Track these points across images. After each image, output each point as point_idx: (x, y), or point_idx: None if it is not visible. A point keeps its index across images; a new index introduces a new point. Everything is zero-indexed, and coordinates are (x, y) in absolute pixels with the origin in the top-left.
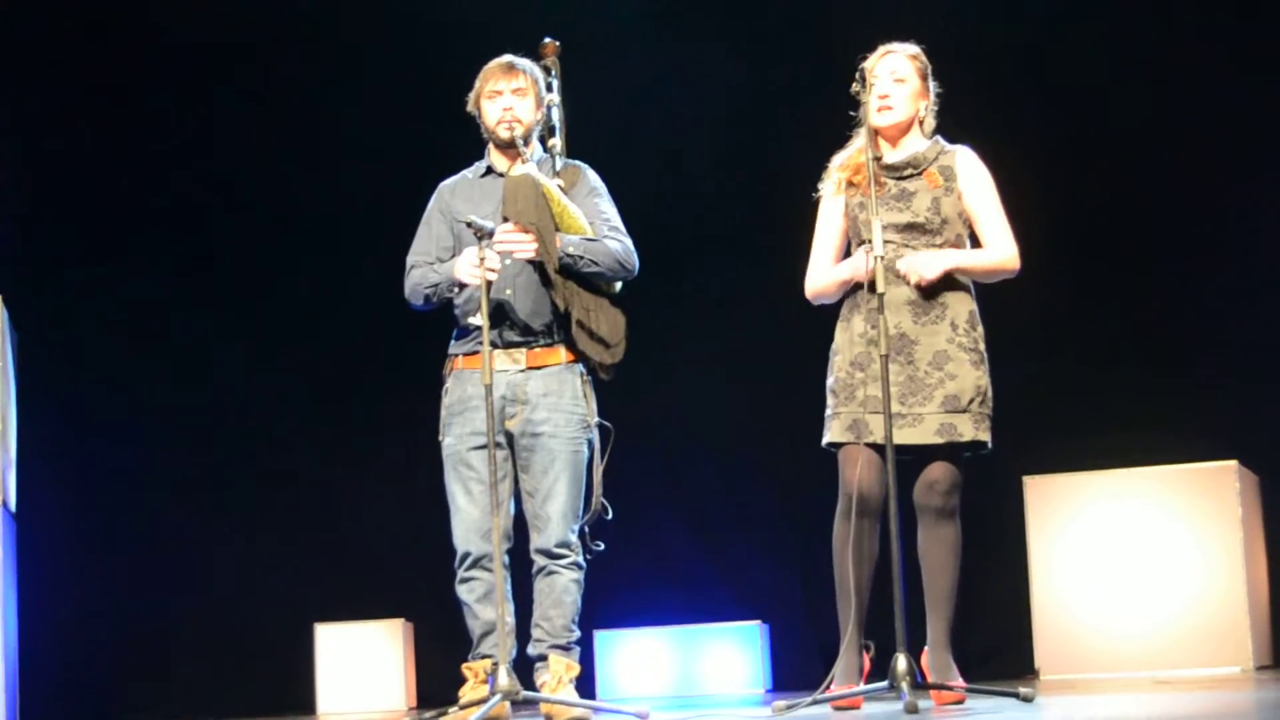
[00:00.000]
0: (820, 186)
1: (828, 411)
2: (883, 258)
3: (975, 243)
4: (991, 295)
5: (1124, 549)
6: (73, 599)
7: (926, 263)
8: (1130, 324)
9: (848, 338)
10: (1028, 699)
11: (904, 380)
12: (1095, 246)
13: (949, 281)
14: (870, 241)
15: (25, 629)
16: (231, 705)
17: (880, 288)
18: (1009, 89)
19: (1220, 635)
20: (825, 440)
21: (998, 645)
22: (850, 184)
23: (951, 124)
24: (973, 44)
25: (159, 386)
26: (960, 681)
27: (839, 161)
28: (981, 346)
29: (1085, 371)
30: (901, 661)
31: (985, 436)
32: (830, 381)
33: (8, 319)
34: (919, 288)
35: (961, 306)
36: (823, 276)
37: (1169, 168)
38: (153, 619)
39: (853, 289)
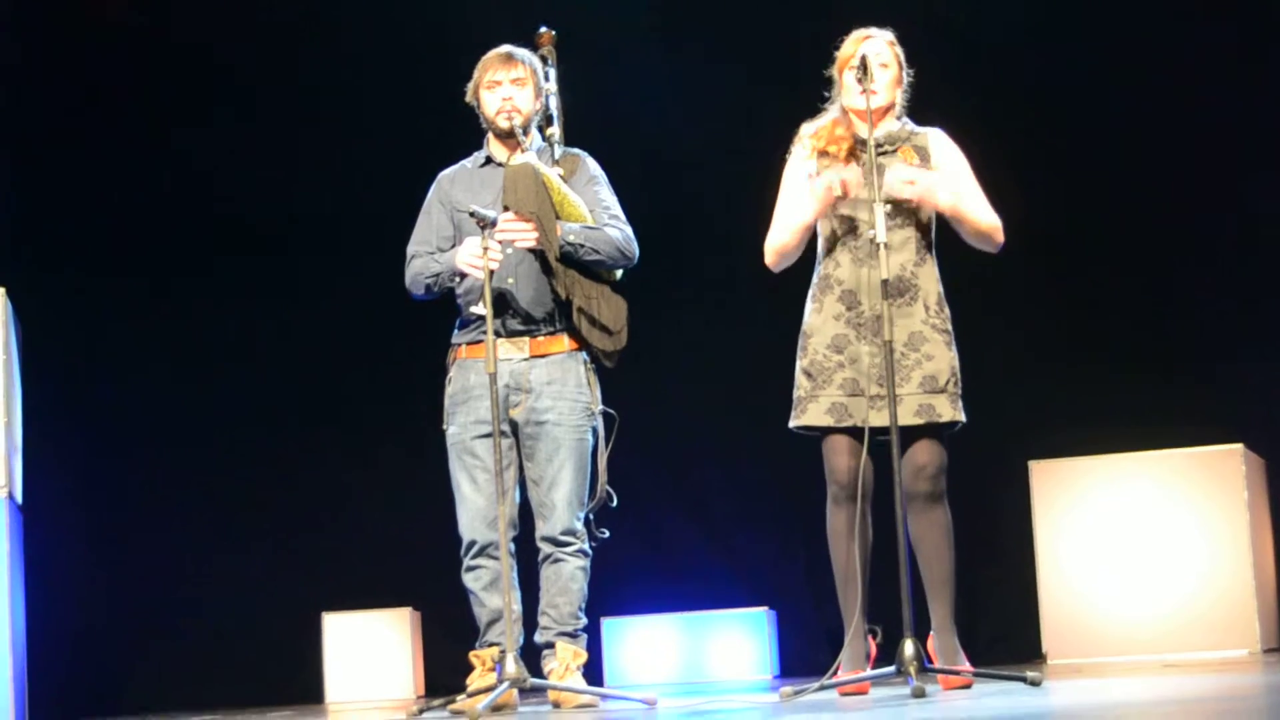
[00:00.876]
0: (792, 149)
1: (799, 393)
2: (887, 244)
3: (945, 224)
4: (997, 280)
5: (1130, 533)
6: (79, 589)
7: (936, 184)
8: (1136, 308)
9: (821, 319)
10: (1035, 683)
11: (880, 361)
12: (1100, 232)
13: (921, 261)
14: (841, 190)
15: (33, 619)
16: (239, 695)
17: (884, 273)
18: (1011, 78)
19: (1227, 618)
20: (799, 423)
21: (1005, 630)
22: (823, 153)
23: (953, 115)
24: (976, 40)
25: (164, 377)
26: (967, 666)
27: (810, 130)
28: (950, 327)
29: (1091, 356)
30: (909, 647)
31: (961, 416)
32: (803, 363)
33: (12, 311)
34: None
35: (931, 287)
36: (782, 231)
37: (1173, 153)
38: (159, 609)
39: (821, 263)
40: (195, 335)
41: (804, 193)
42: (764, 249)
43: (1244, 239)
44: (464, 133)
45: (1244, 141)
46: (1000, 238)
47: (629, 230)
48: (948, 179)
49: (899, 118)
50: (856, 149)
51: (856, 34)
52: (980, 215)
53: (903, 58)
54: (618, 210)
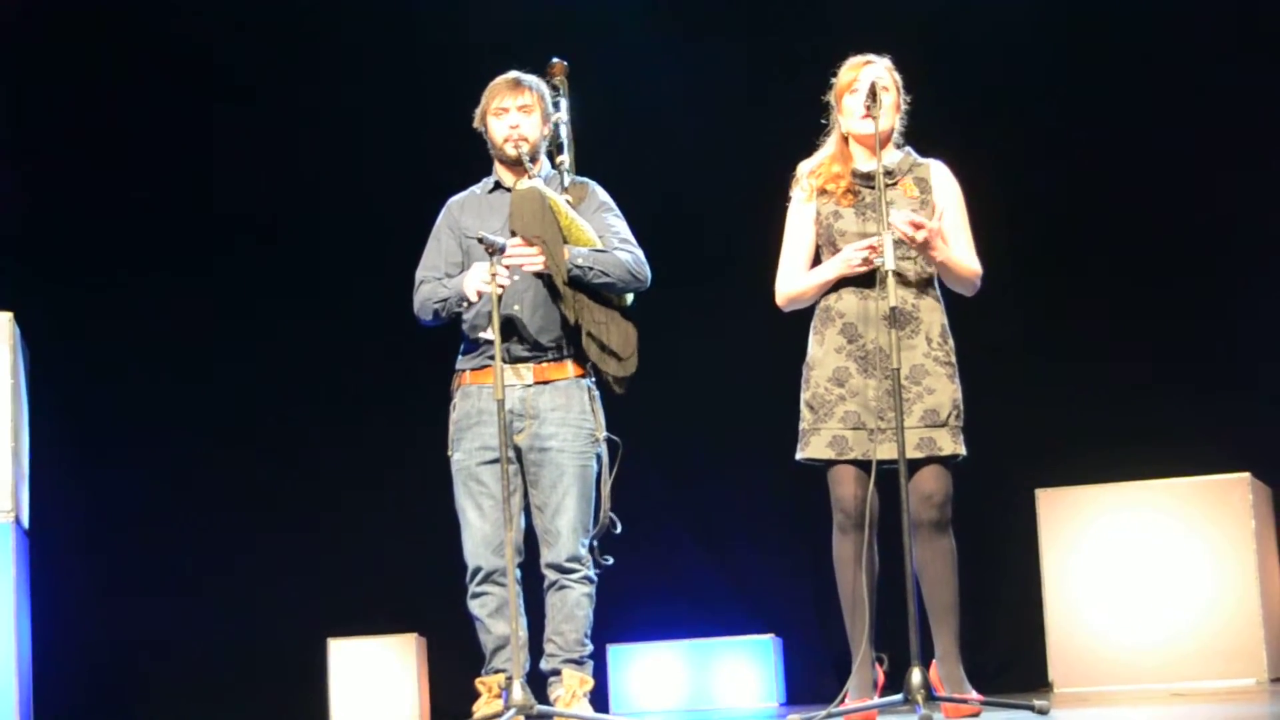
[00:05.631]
0: (791, 193)
1: (803, 426)
2: (895, 271)
3: None
4: (1003, 308)
5: (1137, 562)
6: (85, 614)
7: (935, 237)
8: (1141, 336)
9: (823, 351)
10: (1043, 712)
11: (882, 395)
12: (1105, 258)
13: (924, 293)
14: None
15: (38, 644)
16: None
17: (893, 301)
18: (1014, 92)
19: (1234, 647)
20: (803, 455)
21: (1011, 658)
22: (823, 191)
23: (957, 131)
24: (983, 46)
25: (171, 402)
26: (973, 694)
27: (807, 169)
28: (953, 359)
29: (1097, 384)
30: (916, 675)
31: (962, 449)
32: (806, 396)
33: (19, 335)
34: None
35: (934, 319)
36: (801, 280)
37: (1182, 179)
38: (165, 634)
39: (825, 296)
40: (202, 360)
41: (839, 255)
42: (775, 290)
43: (1255, 265)
44: (475, 158)
45: (1255, 164)
46: (978, 283)
47: (640, 253)
48: (945, 231)
49: (899, 146)
50: (854, 184)
51: (854, 60)
52: (964, 263)
53: (900, 83)
54: (628, 235)
